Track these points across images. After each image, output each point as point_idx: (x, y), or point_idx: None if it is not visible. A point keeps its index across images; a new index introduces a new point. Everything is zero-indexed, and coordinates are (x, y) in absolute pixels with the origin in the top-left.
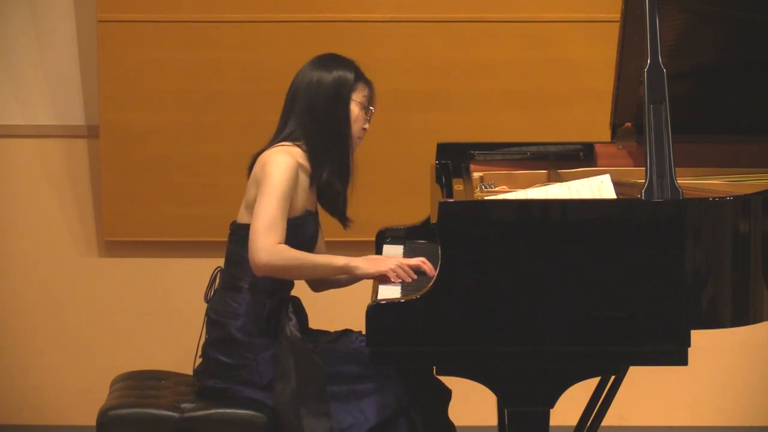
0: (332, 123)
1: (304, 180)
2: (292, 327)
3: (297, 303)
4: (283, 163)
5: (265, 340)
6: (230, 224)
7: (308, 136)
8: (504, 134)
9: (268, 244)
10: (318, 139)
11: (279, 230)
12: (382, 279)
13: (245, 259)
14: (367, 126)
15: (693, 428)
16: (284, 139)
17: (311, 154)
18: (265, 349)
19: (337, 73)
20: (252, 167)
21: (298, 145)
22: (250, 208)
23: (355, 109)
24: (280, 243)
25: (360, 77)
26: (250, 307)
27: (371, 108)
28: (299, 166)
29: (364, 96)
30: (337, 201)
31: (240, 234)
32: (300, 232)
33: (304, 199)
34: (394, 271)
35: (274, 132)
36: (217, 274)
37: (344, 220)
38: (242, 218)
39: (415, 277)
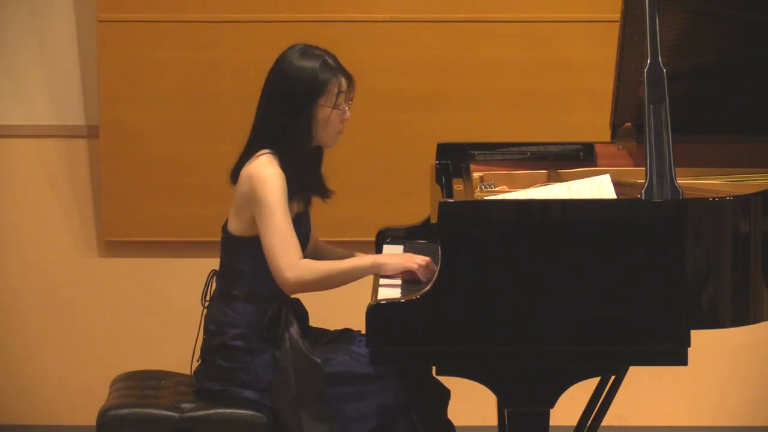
0: (294, 134)
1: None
2: (293, 331)
3: (297, 305)
4: (272, 179)
5: (263, 344)
6: (222, 228)
7: (278, 141)
8: (504, 134)
9: (291, 262)
10: (285, 144)
11: (295, 246)
12: (406, 274)
13: (241, 270)
14: (347, 116)
15: (693, 428)
16: (261, 146)
17: (281, 158)
18: (263, 353)
19: (307, 77)
20: (235, 174)
21: (275, 151)
22: (243, 220)
23: (324, 113)
24: (300, 258)
25: (329, 77)
26: (250, 318)
27: (346, 107)
28: (283, 170)
29: (336, 94)
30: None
31: (233, 243)
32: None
33: (293, 203)
34: (420, 267)
35: (251, 131)
36: (212, 277)
37: (323, 194)
38: (234, 228)
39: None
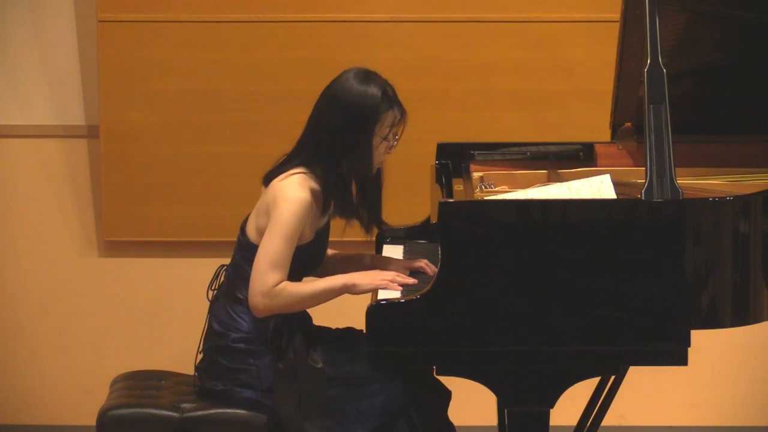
0: (352, 156)
1: (317, 207)
2: (297, 341)
3: (301, 314)
4: (294, 201)
5: (265, 346)
6: (240, 226)
7: (325, 165)
8: (504, 134)
9: (266, 288)
10: (332, 170)
11: (281, 270)
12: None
13: (247, 273)
14: (389, 152)
15: (693, 428)
16: (302, 163)
17: (325, 183)
18: (265, 355)
19: (363, 102)
20: (268, 179)
21: (313, 172)
22: (258, 226)
23: (375, 142)
24: (280, 282)
25: (387, 107)
26: (254, 324)
27: (396, 138)
28: (312, 195)
29: (389, 126)
30: (353, 219)
31: (246, 247)
32: (310, 255)
33: (315, 224)
34: (389, 283)
35: (295, 146)
36: (221, 272)
37: (378, 225)
38: (249, 230)
39: (415, 281)
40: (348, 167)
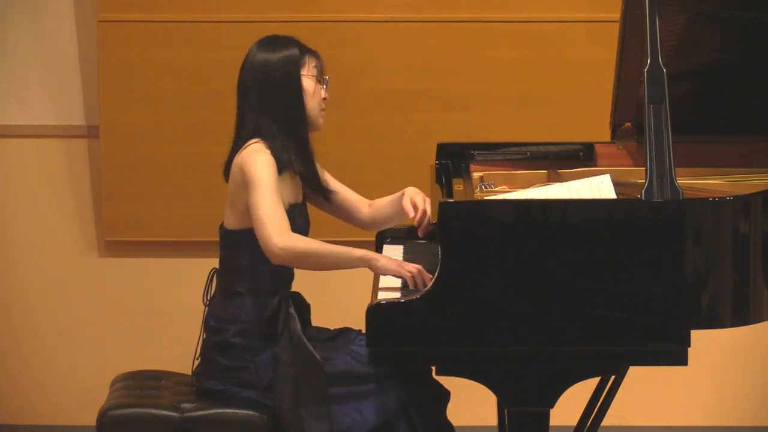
0: (288, 108)
1: (280, 168)
2: (294, 326)
3: (298, 298)
4: (261, 160)
5: (263, 342)
6: (219, 228)
7: (268, 127)
8: (504, 134)
9: (278, 230)
10: (275, 127)
11: (283, 218)
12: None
13: (240, 265)
14: (326, 95)
15: (693, 428)
16: (250, 136)
17: (271, 143)
18: (263, 351)
19: (282, 54)
20: (228, 171)
21: (264, 140)
22: (238, 212)
23: (308, 83)
24: (288, 228)
25: (305, 51)
26: (251, 313)
27: (325, 77)
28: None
29: (314, 67)
30: (307, 180)
31: (230, 239)
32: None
33: (286, 192)
34: (413, 276)
35: (235, 128)
36: (213, 275)
37: (325, 194)
38: (230, 223)
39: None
40: (293, 123)
